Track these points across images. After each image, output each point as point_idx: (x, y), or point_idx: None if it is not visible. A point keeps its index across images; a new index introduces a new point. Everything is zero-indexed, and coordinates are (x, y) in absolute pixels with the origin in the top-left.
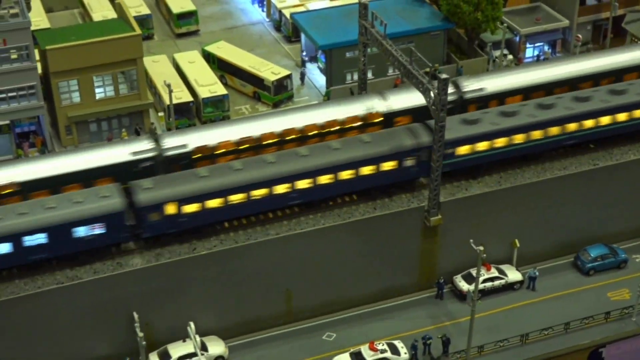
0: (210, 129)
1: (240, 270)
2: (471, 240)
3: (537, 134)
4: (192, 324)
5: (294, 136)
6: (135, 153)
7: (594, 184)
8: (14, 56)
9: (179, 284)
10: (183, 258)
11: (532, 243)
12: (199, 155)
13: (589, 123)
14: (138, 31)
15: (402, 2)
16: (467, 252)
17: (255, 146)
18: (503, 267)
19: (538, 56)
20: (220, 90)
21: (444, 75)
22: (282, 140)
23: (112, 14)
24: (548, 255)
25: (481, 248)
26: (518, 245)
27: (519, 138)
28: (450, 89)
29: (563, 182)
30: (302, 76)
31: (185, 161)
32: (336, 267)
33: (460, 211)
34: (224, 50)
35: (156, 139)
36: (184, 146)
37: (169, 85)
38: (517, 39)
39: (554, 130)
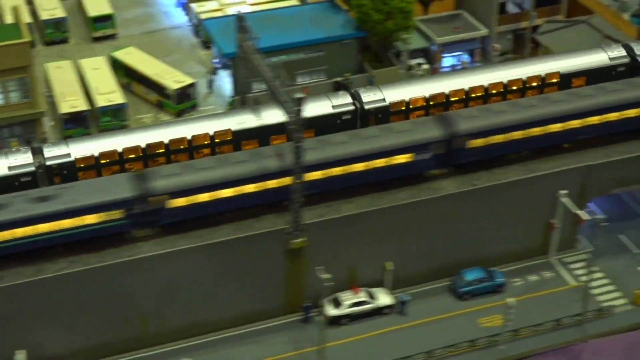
0: (406, 86)
1: (91, 294)
2: (318, 268)
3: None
4: (20, 353)
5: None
6: (335, 107)
7: (473, 204)
8: None
9: (22, 308)
10: (26, 281)
11: (409, 265)
12: (395, 109)
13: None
14: (27, 38)
15: (318, 9)
16: (337, 274)
17: (443, 103)
18: (376, 290)
19: (454, 66)
20: (118, 99)
21: (298, 95)
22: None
23: (26, 19)
24: (426, 277)
25: (327, 276)
26: (391, 267)
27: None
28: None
29: (440, 202)
30: (211, 84)
31: (382, 114)
32: (196, 290)
33: (329, 232)
34: (131, 56)
35: (355, 94)
36: (382, 100)
37: (49, 96)
38: (434, 47)
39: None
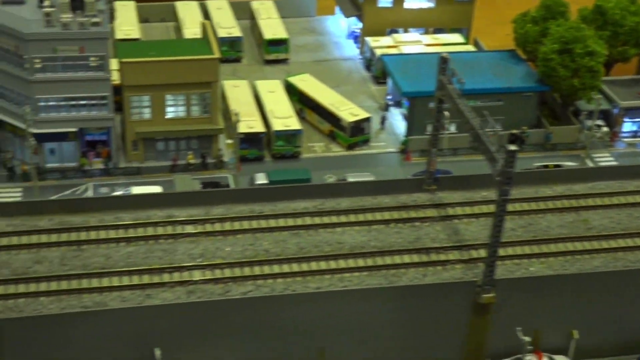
0: None
1: (272, 321)
2: (518, 329)
3: None
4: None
5: None
6: None
7: None
8: (92, 64)
9: (206, 326)
10: (215, 300)
11: (595, 336)
12: None
13: None
14: (217, 54)
15: (497, 57)
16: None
17: None
18: (558, 358)
19: (635, 132)
20: (294, 124)
21: (511, 147)
22: None
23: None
24: (612, 351)
25: (527, 339)
26: (577, 336)
27: None
28: None
29: (627, 276)
30: (383, 120)
31: None
32: (375, 332)
33: (517, 291)
34: (306, 83)
35: None
36: None
37: (236, 115)
38: (616, 110)
39: None
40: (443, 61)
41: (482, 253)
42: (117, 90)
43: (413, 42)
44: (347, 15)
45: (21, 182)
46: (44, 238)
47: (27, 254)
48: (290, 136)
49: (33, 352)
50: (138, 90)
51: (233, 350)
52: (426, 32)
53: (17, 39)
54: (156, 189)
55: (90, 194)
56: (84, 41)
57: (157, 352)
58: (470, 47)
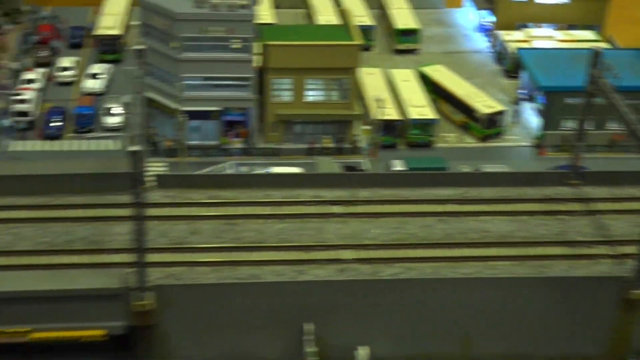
0: None
1: (420, 303)
2: None
3: None
4: (361, 349)
5: None
6: None
7: None
8: (236, 46)
9: (356, 304)
10: (367, 279)
11: None
12: None
13: None
14: (358, 41)
15: (635, 55)
16: None
17: None
18: None
19: None
20: (430, 113)
21: None
22: None
23: (335, 20)
24: None
25: None
26: None
27: None
28: None
29: None
30: (516, 114)
31: None
32: (520, 320)
33: None
34: (440, 74)
35: None
36: None
37: (380, 101)
38: None
39: None
40: (595, 55)
41: (631, 250)
42: (257, 72)
43: (545, 38)
44: (479, 8)
45: (164, 157)
46: (197, 210)
47: (183, 224)
48: (425, 125)
49: (189, 319)
50: (280, 73)
51: (379, 329)
52: (558, 28)
53: (167, 18)
54: (295, 171)
55: (230, 172)
56: (231, 23)
57: (309, 327)
58: (604, 45)
